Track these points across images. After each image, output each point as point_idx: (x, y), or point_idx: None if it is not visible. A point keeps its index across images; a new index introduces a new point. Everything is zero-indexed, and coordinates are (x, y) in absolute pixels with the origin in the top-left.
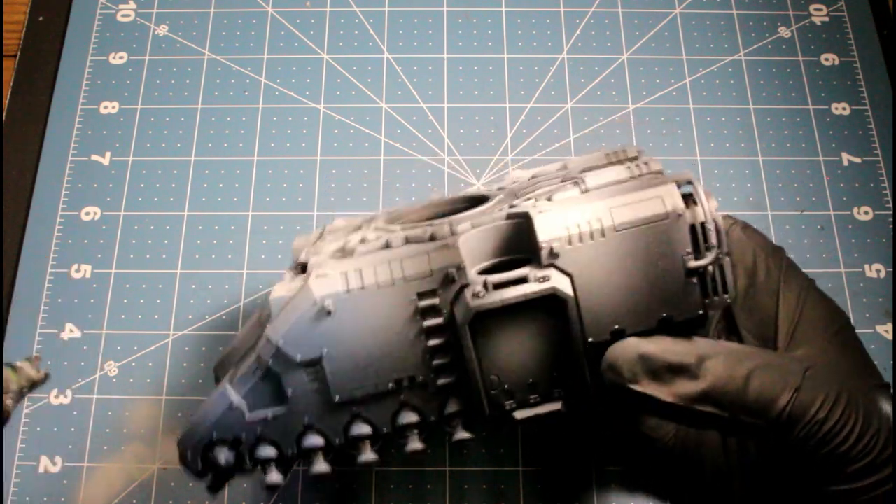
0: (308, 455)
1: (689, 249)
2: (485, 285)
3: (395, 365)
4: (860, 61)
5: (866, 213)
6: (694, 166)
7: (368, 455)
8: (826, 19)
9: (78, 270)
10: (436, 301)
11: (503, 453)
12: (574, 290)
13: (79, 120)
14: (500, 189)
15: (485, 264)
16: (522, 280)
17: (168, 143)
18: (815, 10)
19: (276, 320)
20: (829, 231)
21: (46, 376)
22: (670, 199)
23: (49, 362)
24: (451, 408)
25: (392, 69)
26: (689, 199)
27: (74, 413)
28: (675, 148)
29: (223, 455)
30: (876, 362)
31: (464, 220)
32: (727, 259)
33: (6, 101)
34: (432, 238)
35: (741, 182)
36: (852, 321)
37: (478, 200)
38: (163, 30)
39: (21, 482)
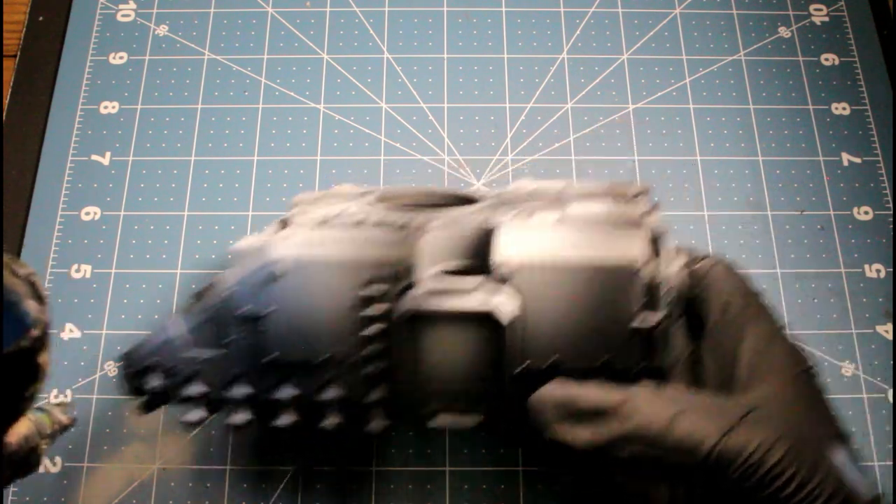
0: (232, 403)
1: (642, 304)
2: (430, 289)
3: (331, 341)
4: (860, 61)
5: (866, 213)
6: (694, 166)
7: (287, 419)
8: (826, 19)
9: (78, 270)
10: (382, 291)
11: (503, 453)
12: (517, 314)
13: (79, 120)
14: (498, 195)
15: (444, 266)
16: (468, 292)
17: (168, 143)
18: (815, 10)
19: (230, 270)
20: (829, 231)
21: (74, 421)
22: (634, 249)
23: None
24: (376, 395)
25: (392, 69)
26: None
27: (74, 413)
28: (675, 148)
29: (155, 380)
30: (876, 362)
31: (440, 217)
32: (679, 322)
33: (6, 101)
34: (401, 228)
35: (741, 182)
36: (851, 322)
37: (469, 201)
38: (163, 30)
39: (21, 482)
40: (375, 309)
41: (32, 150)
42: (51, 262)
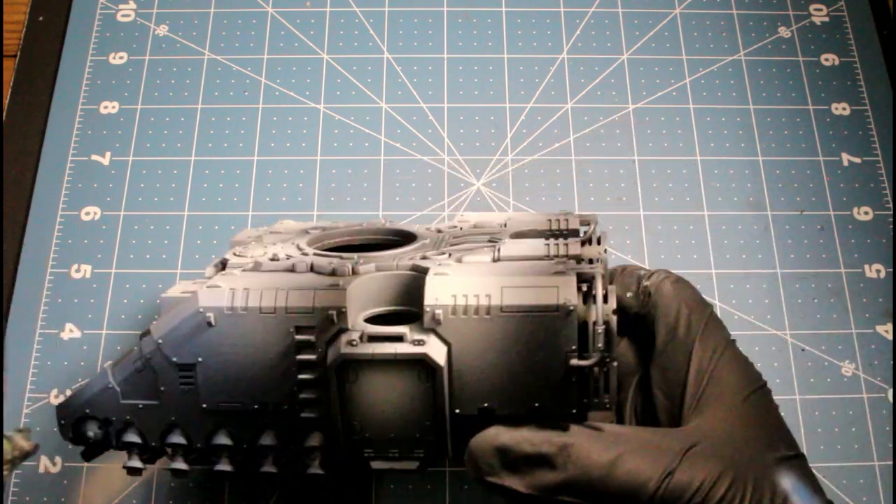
0: (170, 450)
1: (575, 347)
2: (361, 335)
3: (264, 389)
4: (860, 61)
5: (866, 213)
6: (694, 166)
7: (224, 465)
8: (826, 19)
9: (78, 270)
10: (312, 338)
11: None
12: (449, 360)
13: (79, 120)
14: (439, 231)
15: (375, 310)
16: (399, 338)
17: (168, 143)
18: (815, 10)
19: (161, 319)
20: (829, 231)
21: (36, 447)
22: (565, 291)
23: (49, 362)
24: (312, 441)
25: (392, 69)
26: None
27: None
28: (675, 148)
29: (92, 430)
30: (876, 362)
31: (372, 260)
32: (614, 364)
33: (6, 101)
34: (332, 273)
35: (741, 182)
36: (851, 322)
37: (408, 237)
38: (163, 30)
39: (21, 482)
40: (307, 356)
41: (32, 150)
42: (51, 262)
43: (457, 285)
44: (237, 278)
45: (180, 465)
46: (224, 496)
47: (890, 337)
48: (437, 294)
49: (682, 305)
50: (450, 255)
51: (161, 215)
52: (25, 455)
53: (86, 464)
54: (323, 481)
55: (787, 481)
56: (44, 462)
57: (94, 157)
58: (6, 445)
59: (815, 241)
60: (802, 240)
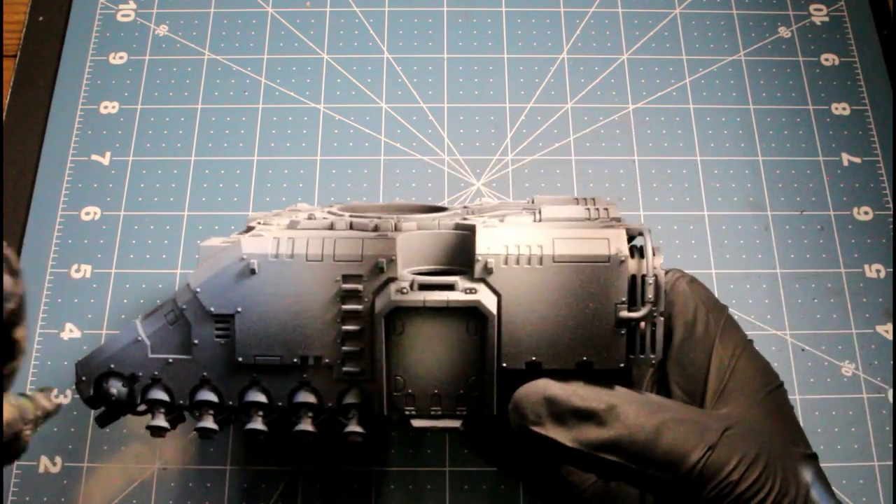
0: (199, 408)
1: (625, 299)
2: (411, 283)
3: (306, 341)
4: (860, 61)
5: (866, 213)
6: (694, 166)
7: (257, 424)
8: (826, 19)
9: (78, 270)
10: (359, 287)
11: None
12: (499, 310)
13: (79, 120)
14: (465, 208)
15: (420, 268)
16: (450, 287)
17: (168, 143)
18: (815, 10)
19: (199, 267)
20: (829, 231)
21: (58, 408)
22: (616, 243)
23: (49, 362)
24: (351, 398)
25: (392, 69)
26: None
27: (74, 413)
28: (675, 148)
29: (115, 388)
30: (876, 362)
31: (412, 220)
32: (661, 319)
33: (6, 101)
34: (375, 229)
35: (741, 182)
36: (851, 322)
37: (437, 211)
38: (163, 30)
39: (21, 482)
40: (354, 305)
41: (32, 150)
42: (51, 262)
43: (508, 236)
44: (278, 230)
45: (209, 424)
46: (224, 496)
47: (890, 337)
48: (488, 244)
49: (699, 304)
50: (490, 216)
51: (161, 215)
52: (48, 414)
53: (86, 464)
54: (361, 440)
55: (807, 476)
56: (44, 462)
57: (94, 157)
58: (29, 405)
59: (815, 241)
60: (802, 240)
